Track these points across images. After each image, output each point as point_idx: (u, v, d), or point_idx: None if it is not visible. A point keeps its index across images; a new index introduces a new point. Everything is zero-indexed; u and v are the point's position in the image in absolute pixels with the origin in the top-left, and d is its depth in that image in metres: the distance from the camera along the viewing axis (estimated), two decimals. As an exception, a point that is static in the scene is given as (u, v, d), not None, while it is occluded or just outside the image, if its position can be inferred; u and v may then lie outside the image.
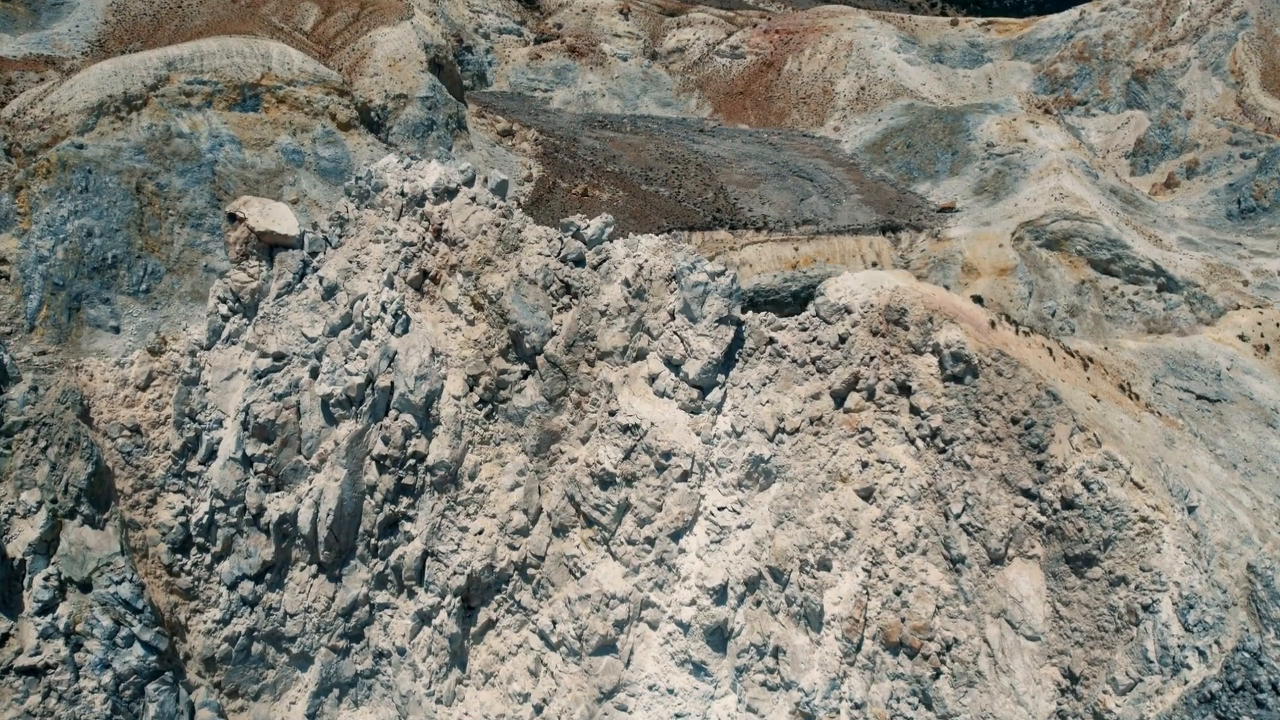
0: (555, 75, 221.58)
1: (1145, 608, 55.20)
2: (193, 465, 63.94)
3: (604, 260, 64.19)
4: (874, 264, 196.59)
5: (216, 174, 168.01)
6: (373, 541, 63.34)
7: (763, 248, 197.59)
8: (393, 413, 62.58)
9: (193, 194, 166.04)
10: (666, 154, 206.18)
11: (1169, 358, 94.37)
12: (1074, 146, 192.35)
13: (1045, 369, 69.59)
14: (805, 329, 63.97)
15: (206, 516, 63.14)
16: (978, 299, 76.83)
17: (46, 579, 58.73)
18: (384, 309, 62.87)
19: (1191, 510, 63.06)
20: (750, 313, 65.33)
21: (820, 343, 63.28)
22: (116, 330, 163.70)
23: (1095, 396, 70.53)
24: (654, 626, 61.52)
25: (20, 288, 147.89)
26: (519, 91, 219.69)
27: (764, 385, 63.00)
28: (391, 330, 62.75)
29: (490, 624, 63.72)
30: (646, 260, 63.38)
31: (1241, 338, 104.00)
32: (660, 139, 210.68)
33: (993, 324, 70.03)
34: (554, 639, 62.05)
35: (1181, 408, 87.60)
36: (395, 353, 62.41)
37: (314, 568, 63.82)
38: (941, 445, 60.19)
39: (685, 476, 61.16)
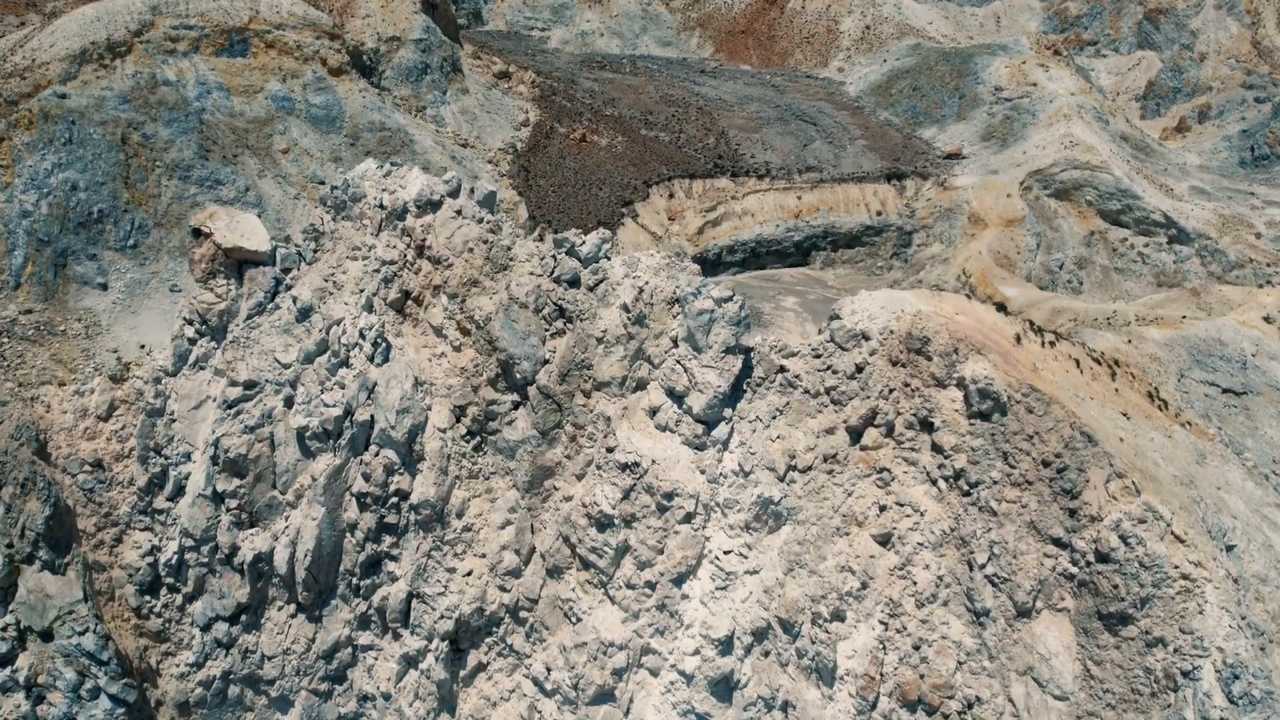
0: (553, 13, 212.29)
1: (1185, 673, 50.08)
2: (160, 502, 58.32)
3: (601, 281, 57.93)
4: (878, 213, 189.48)
5: (204, 123, 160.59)
6: (354, 581, 58.06)
7: (765, 196, 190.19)
8: (373, 448, 56.87)
9: (180, 144, 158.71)
10: (667, 96, 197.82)
11: (1193, 347, 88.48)
12: (1084, 91, 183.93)
13: (1074, 385, 63.90)
14: (819, 355, 57.96)
15: (176, 556, 57.77)
16: (1001, 307, 70.57)
17: (4, 629, 53.58)
18: (362, 336, 56.80)
19: (1230, 549, 57.97)
20: (760, 338, 59.26)
21: (835, 372, 57.32)
22: (104, 287, 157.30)
23: (1125, 414, 65.05)
24: (655, 674, 56.56)
25: (4, 244, 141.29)
26: (515, 30, 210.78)
27: (774, 418, 57.20)
28: (370, 359, 56.76)
29: (481, 667, 58.69)
30: (647, 282, 57.15)
31: (1267, 319, 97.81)
32: (660, 80, 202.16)
33: (1018, 338, 64.15)
34: (548, 686, 57.09)
35: (1209, 405, 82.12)
36: (375, 384, 56.50)
37: (292, 607, 58.62)
38: (966, 488, 54.58)
39: (689, 518, 55.68)
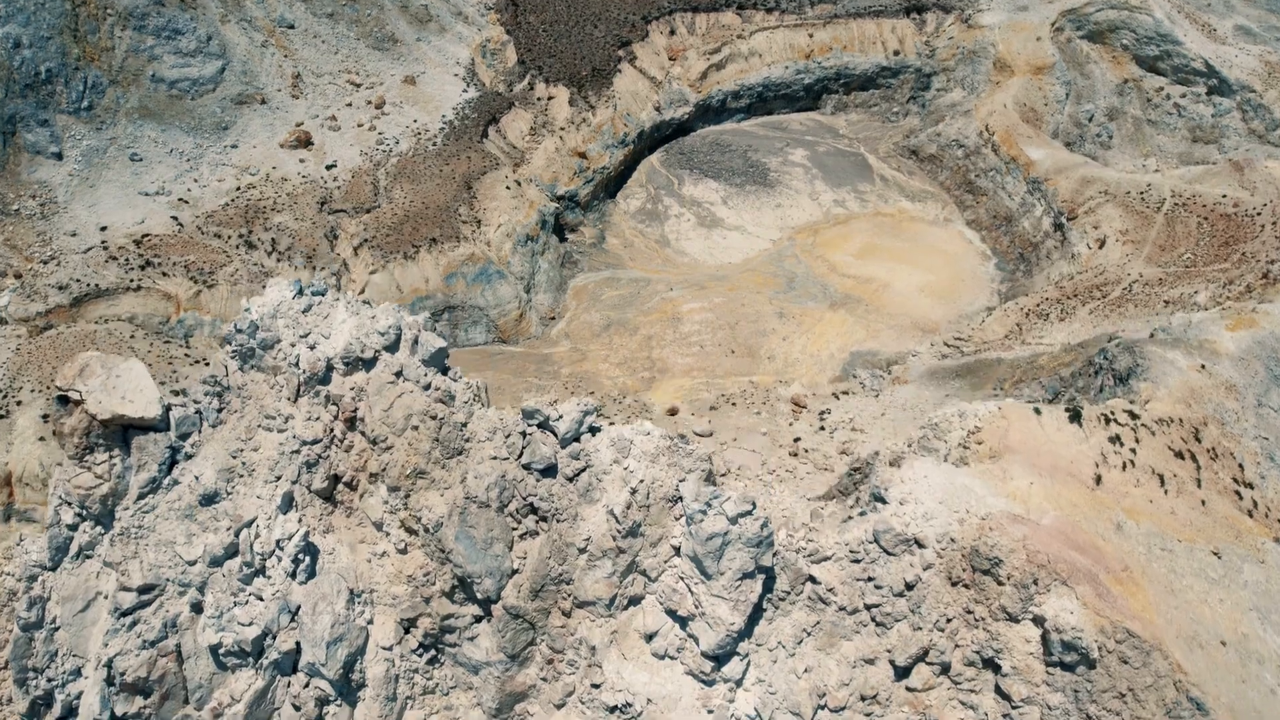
0: None
1: None
2: (49, 721, 45.63)
3: (583, 469, 42.95)
4: (895, 53, 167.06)
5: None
6: (294, 801, 46.06)
7: (774, 34, 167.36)
8: (301, 675, 43.61)
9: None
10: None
11: (1270, 355, 73.62)
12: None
13: (1161, 527, 50.23)
14: (858, 560, 43.78)
15: (76, 781, 45.59)
16: (1074, 414, 55.41)
17: None
18: (280, 546, 42.43)
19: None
20: (784, 532, 44.80)
21: (879, 586, 43.33)
22: (59, 157, 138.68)
23: (1216, 553, 51.76)
24: None
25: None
26: None
27: (800, 643, 43.64)
28: (292, 575, 42.63)
29: None
30: (642, 479, 42.24)
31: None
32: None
33: (1099, 478, 49.96)
34: None
35: (1289, 443, 68.22)
36: (299, 606, 42.64)
37: (224, 821, 46.83)
38: (1037, 749, 41.76)
39: (692, 765, 43.09)
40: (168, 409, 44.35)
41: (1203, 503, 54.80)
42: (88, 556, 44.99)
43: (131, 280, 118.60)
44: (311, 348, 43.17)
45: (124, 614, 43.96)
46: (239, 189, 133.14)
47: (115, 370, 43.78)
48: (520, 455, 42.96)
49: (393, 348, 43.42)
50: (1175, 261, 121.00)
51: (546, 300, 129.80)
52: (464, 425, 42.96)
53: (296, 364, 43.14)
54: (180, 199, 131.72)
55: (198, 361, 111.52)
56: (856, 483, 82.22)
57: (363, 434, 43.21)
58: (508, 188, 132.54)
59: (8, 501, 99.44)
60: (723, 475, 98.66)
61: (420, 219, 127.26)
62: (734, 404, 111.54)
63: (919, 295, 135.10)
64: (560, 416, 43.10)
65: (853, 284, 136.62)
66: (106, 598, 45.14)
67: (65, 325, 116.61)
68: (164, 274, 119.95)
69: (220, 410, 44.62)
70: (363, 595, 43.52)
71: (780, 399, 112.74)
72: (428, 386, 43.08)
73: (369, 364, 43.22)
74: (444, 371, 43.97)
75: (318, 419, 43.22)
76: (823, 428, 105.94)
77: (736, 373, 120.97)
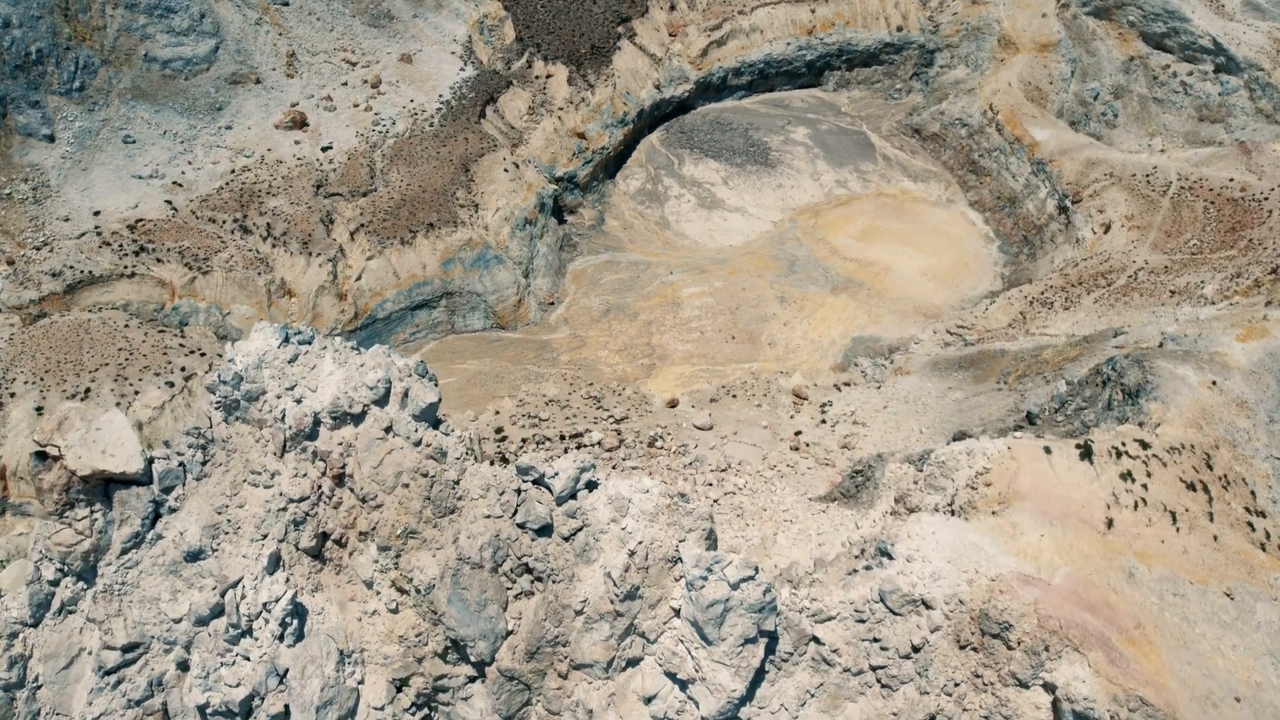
0: None
1: None
2: (34, 781, 44.18)
3: (580, 528, 41.26)
4: (899, 29, 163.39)
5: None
6: None
7: (775, 10, 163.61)
8: (292, 735, 42.17)
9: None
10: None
11: (1282, 369, 71.49)
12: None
13: (1174, 570, 48.76)
14: (863, 620, 42.19)
15: (63, 837, 44.22)
16: (1085, 451, 53.66)
17: None
18: (267, 609, 40.84)
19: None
20: (786, 591, 43.16)
21: (884, 647, 41.79)
22: (51, 139, 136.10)
23: (1229, 594, 50.38)
24: None
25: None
26: None
27: (803, 705, 42.11)
28: (279, 638, 41.06)
29: None
30: (641, 539, 40.53)
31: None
32: None
33: (1110, 521, 48.36)
34: None
35: (1299, 462, 66.55)
36: (287, 670, 41.11)
37: None
38: (1045, 817, 40.40)
39: (692, 829, 41.79)
40: (150, 461, 42.57)
41: (1215, 538, 53.22)
42: (70, 612, 43.38)
43: (125, 266, 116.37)
44: (298, 401, 41.31)
45: (108, 672, 42.50)
46: (233, 171, 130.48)
47: (95, 423, 41.91)
48: (515, 513, 41.23)
49: (382, 401, 41.53)
50: (1181, 248, 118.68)
51: (545, 285, 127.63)
52: (456, 483, 41.20)
53: (282, 418, 41.28)
54: (174, 182, 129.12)
55: (193, 352, 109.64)
56: (858, 485, 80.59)
57: (352, 491, 41.45)
58: (505, 170, 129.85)
59: (2, 495, 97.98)
60: (723, 470, 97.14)
61: (417, 203, 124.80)
62: (734, 395, 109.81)
63: (921, 279, 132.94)
64: (556, 474, 41.34)
65: (855, 267, 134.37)
66: (91, 654, 43.62)
67: (59, 314, 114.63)
68: (158, 260, 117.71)
69: (205, 463, 42.82)
70: (353, 655, 41.99)
71: (781, 390, 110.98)
72: (418, 443, 41.25)
73: (357, 419, 41.38)
74: (435, 426, 42.13)
75: (305, 475, 41.44)
76: (824, 421, 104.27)
77: (737, 359, 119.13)
